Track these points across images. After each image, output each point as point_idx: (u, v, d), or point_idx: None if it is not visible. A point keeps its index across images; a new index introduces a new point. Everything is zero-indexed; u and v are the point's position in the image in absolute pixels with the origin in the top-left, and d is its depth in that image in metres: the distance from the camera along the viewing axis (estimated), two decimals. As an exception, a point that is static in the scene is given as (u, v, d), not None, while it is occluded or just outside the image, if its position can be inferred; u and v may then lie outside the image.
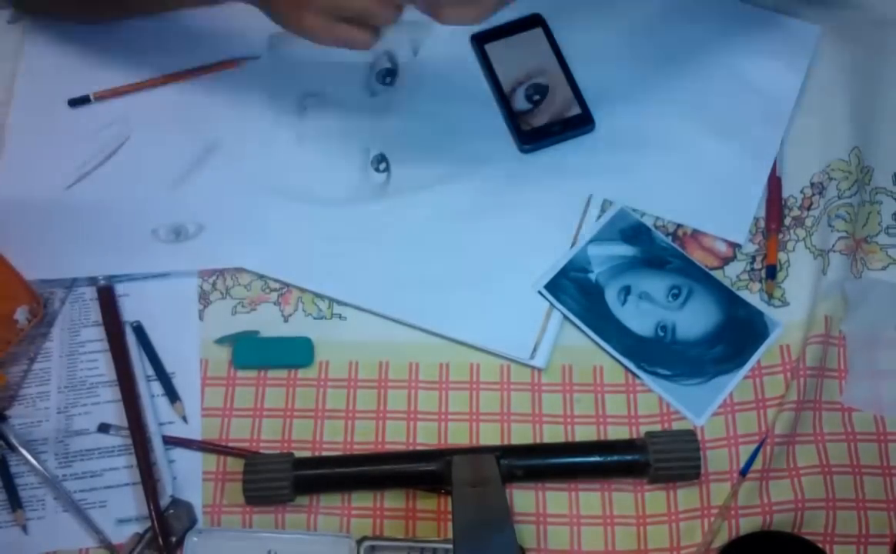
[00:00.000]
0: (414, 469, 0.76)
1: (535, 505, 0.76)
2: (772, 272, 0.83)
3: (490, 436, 0.79)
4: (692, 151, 0.87)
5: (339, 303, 0.84)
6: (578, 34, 0.92)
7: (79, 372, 0.82)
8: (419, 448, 0.79)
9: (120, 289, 0.84)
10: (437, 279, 0.83)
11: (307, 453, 0.78)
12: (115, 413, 0.80)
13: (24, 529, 0.76)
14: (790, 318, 0.81)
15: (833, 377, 0.79)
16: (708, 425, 0.78)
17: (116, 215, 0.86)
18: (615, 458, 0.76)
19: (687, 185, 0.87)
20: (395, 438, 0.79)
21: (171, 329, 0.83)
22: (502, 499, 0.71)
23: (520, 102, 0.89)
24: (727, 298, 0.82)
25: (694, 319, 0.81)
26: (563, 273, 0.83)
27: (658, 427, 0.78)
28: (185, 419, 0.80)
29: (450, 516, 0.74)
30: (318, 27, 0.75)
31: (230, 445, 0.79)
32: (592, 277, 0.83)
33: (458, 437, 0.79)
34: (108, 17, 0.92)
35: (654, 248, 0.84)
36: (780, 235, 0.84)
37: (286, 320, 0.83)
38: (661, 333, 0.81)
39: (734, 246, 0.85)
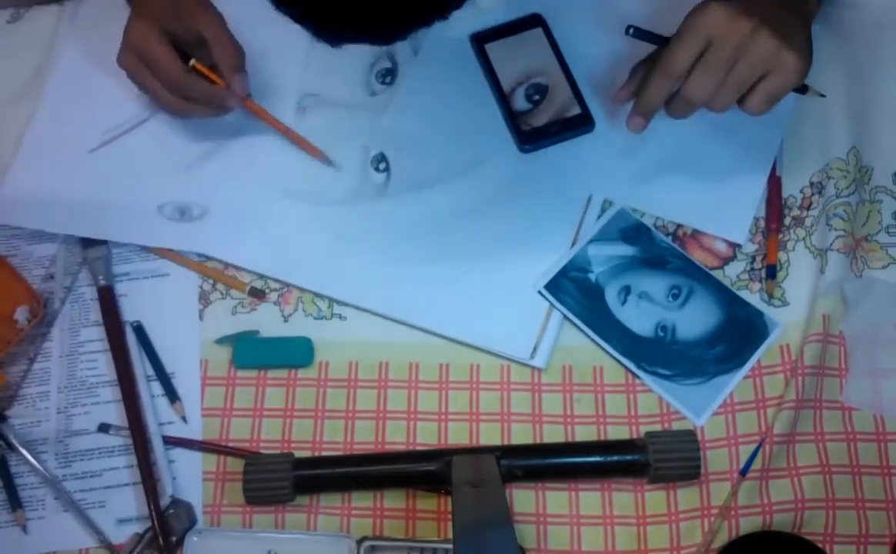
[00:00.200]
0: (414, 469, 0.76)
1: (535, 505, 0.76)
2: (772, 272, 0.83)
3: (490, 436, 0.79)
4: (692, 151, 0.87)
5: (339, 303, 0.84)
6: (578, 34, 0.92)
7: (79, 372, 0.82)
8: (419, 448, 0.79)
9: (120, 289, 0.84)
10: (437, 279, 0.83)
11: (307, 453, 0.78)
12: (115, 413, 0.80)
13: (24, 529, 0.76)
14: (790, 317, 0.81)
15: (833, 376, 0.79)
16: (708, 425, 0.78)
17: (128, 185, 0.88)
18: (615, 458, 0.76)
19: (687, 185, 0.87)
20: (395, 438, 0.79)
21: (171, 329, 0.83)
22: (502, 499, 0.71)
23: (520, 102, 0.89)
24: (727, 298, 0.82)
25: (694, 319, 0.81)
26: (563, 273, 0.83)
27: (658, 427, 0.78)
28: (184, 419, 0.80)
29: (450, 516, 0.74)
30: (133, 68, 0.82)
31: (230, 445, 0.79)
32: (592, 277, 0.83)
33: (458, 437, 0.79)
34: None
35: (654, 248, 0.84)
36: (780, 235, 0.84)
37: (286, 320, 0.83)
38: (661, 333, 0.81)
39: (734, 246, 0.85)
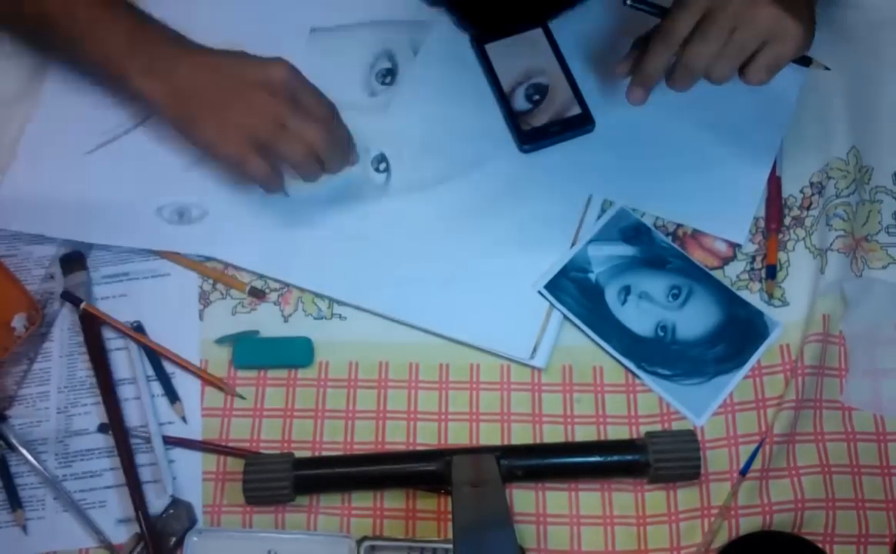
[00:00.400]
0: (414, 469, 0.76)
1: (535, 505, 0.76)
2: (772, 272, 0.83)
3: (490, 436, 0.79)
4: (692, 151, 0.87)
5: (339, 303, 0.84)
6: (578, 34, 0.92)
7: (79, 372, 0.82)
8: (419, 448, 0.79)
9: (120, 289, 0.84)
10: (437, 279, 0.83)
11: (307, 453, 0.78)
12: (115, 413, 0.80)
13: (24, 529, 0.76)
14: (790, 317, 0.81)
15: (833, 376, 0.79)
16: (708, 425, 0.78)
17: (126, 188, 0.87)
18: (615, 458, 0.76)
19: (687, 185, 0.87)
20: (395, 438, 0.79)
21: (171, 329, 0.83)
22: (502, 499, 0.71)
23: (520, 102, 0.89)
24: (727, 298, 0.82)
25: (694, 319, 0.81)
26: (563, 273, 0.83)
27: (658, 427, 0.78)
28: (184, 419, 0.80)
29: (450, 516, 0.74)
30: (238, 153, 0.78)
31: (230, 445, 0.79)
32: (592, 276, 0.83)
33: (458, 437, 0.79)
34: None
35: (654, 248, 0.84)
36: (780, 235, 0.84)
37: (286, 320, 0.83)
38: (661, 333, 0.81)
39: (734, 246, 0.85)
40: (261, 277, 0.85)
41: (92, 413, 0.80)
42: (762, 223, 0.85)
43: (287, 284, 0.84)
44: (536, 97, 0.89)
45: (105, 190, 0.87)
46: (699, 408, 0.78)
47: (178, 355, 0.81)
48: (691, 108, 0.89)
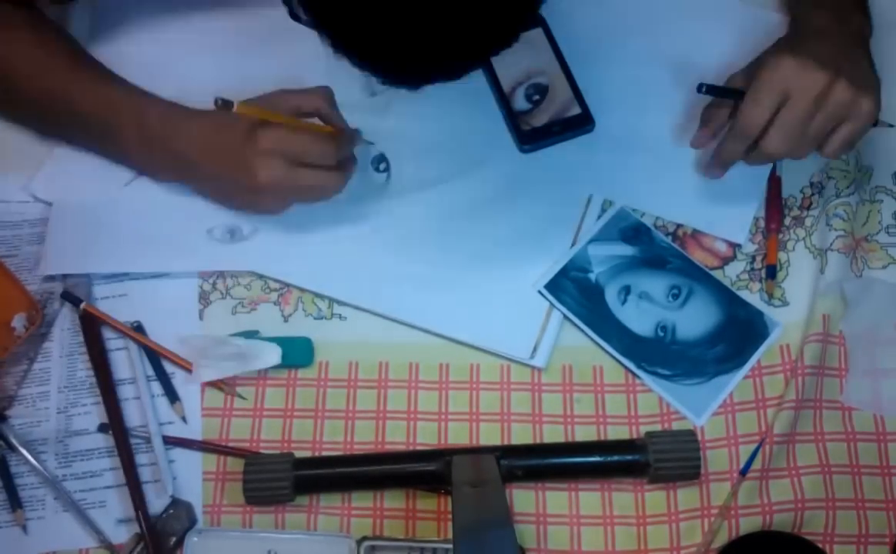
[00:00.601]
0: (414, 469, 0.76)
1: (535, 505, 0.76)
2: (772, 272, 0.83)
3: (490, 436, 0.79)
4: (692, 151, 0.87)
5: (339, 303, 0.84)
6: (578, 34, 0.92)
7: (79, 372, 0.82)
8: (419, 448, 0.79)
9: (120, 288, 0.84)
10: (437, 279, 0.83)
11: (307, 453, 0.78)
12: (115, 413, 0.80)
13: (24, 529, 0.76)
14: (790, 317, 0.81)
15: (833, 376, 0.79)
16: (708, 425, 0.78)
17: (173, 214, 0.86)
18: (615, 458, 0.76)
19: (687, 185, 0.87)
20: (395, 438, 0.79)
21: (171, 329, 0.83)
22: (502, 499, 0.71)
23: (520, 102, 0.89)
24: (727, 298, 0.82)
25: (694, 319, 0.81)
26: (563, 273, 0.83)
27: (658, 427, 0.78)
28: (184, 419, 0.80)
29: (450, 516, 0.74)
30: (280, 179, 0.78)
31: (230, 445, 0.79)
32: (592, 276, 0.83)
33: (458, 437, 0.79)
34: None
35: (654, 248, 0.84)
36: (780, 235, 0.84)
37: (286, 320, 0.83)
38: (661, 333, 0.81)
39: (734, 246, 0.85)
40: (261, 276, 0.85)
41: (92, 413, 0.80)
42: (762, 223, 0.85)
43: (287, 284, 0.84)
44: (536, 97, 0.89)
45: (150, 219, 0.85)
46: (699, 408, 0.78)
47: (177, 355, 0.81)
48: (692, 107, 0.89)
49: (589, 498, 0.76)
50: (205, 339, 0.81)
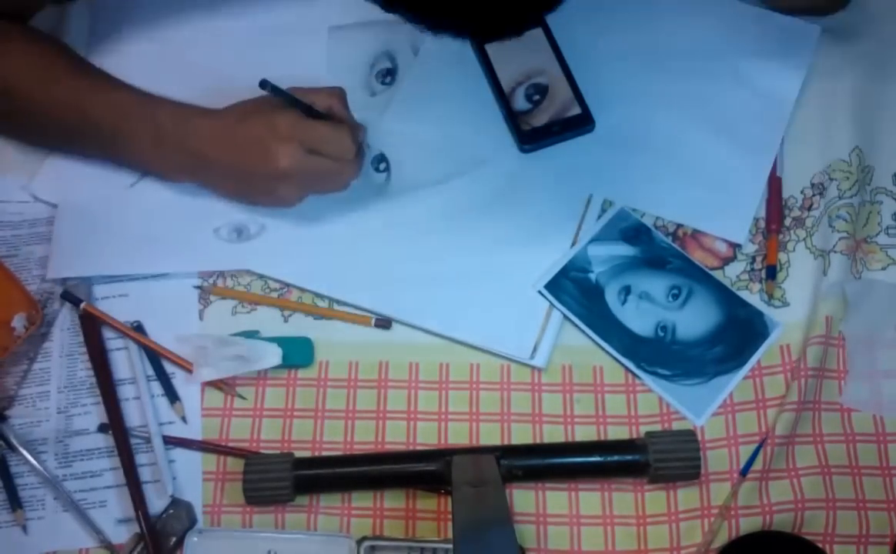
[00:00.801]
0: (414, 469, 0.76)
1: (535, 505, 0.76)
2: (772, 272, 0.83)
3: (490, 436, 0.79)
4: (692, 151, 0.87)
5: (340, 303, 0.84)
6: (578, 34, 0.92)
7: (79, 372, 0.82)
8: (419, 448, 0.79)
9: (120, 288, 0.84)
10: (437, 279, 0.83)
11: (307, 453, 0.78)
12: (115, 413, 0.80)
13: (24, 529, 0.76)
14: (790, 318, 0.81)
15: (832, 378, 0.79)
16: (708, 425, 0.78)
17: (179, 213, 0.86)
18: (615, 458, 0.76)
19: (687, 185, 0.87)
20: (395, 438, 0.79)
21: (171, 329, 0.83)
22: (502, 499, 0.71)
23: (520, 102, 0.89)
24: (727, 299, 0.82)
25: (694, 319, 0.81)
26: (564, 273, 0.83)
27: (658, 427, 0.78)
28: (184, 419, 0.80)
29: (450, 516, 0.74)
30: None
31: (230, 445, 0.79)
32: (592, 276, 0.83)
33: (458, 437, 0.79)
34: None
35: (654, 248, 0.84)
36: (781, 236, 0.84)
37: (286, 320, 0.83)
38: (661, 333, 0.81)
39: (734, 246, 0.85)
40: (261, 276, 0.85)
41: (92, 413, 0.80)
42: (762, 224, 0.85)
43: (287, 284, 0.84)
44: (536, 97, 0.89)
45: (157, 219, 0.85)
46: (699, 408, 0.78)
47: (177, 355, 0.81)
48: (692, 107, 0.89)
49: (589, 498, 0.76)
50: (205, 339, 0.81)
